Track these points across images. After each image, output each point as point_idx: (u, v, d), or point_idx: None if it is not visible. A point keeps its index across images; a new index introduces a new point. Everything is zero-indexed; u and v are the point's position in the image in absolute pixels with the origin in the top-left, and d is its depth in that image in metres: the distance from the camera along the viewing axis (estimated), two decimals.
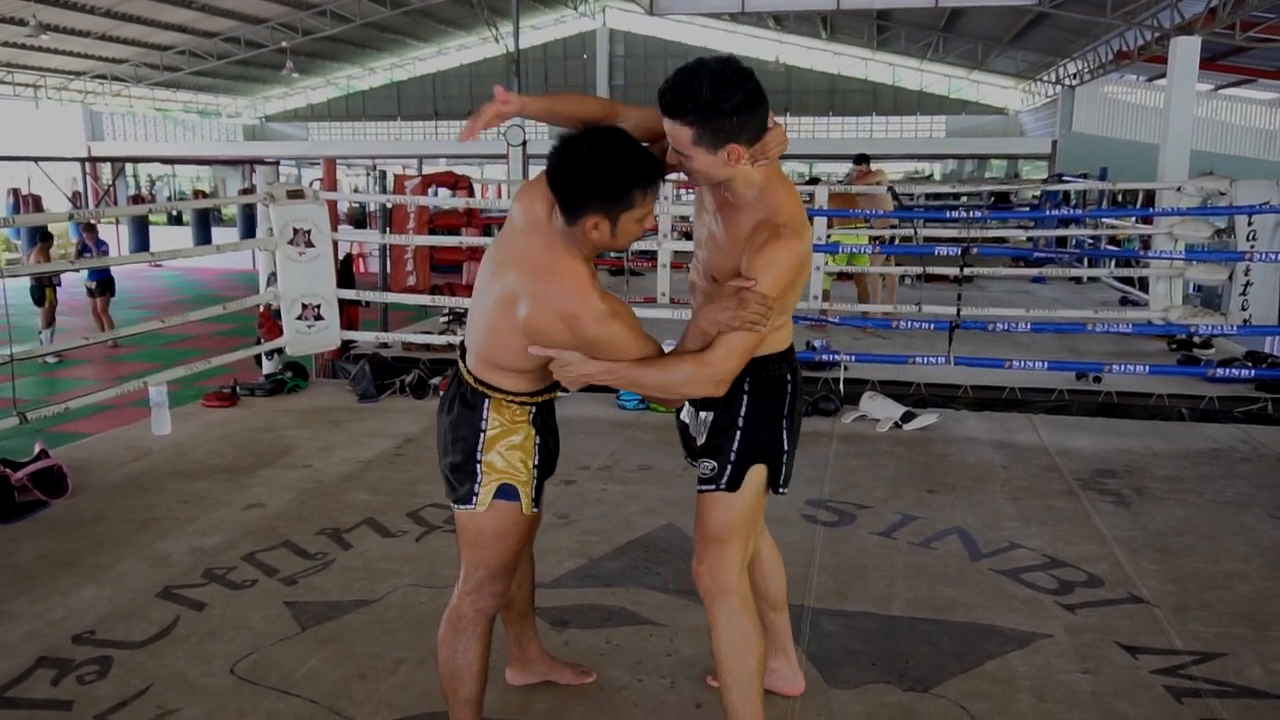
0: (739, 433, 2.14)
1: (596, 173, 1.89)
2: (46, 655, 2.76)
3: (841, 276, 10.01)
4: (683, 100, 1.89)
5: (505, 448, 2.13)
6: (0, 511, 3.83)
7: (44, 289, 10.44)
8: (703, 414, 2.19)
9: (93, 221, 11.05)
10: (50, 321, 10.36)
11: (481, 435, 2.12)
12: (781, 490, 2.23)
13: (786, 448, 2.20)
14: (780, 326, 2.14)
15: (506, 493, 2.14)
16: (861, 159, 9.26)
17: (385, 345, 6.83)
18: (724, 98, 1.87)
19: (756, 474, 2.17)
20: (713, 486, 2.16)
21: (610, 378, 1.98)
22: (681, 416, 2.31)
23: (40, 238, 10.97)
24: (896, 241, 9.17)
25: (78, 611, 3.04)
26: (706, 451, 2.19)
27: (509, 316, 1.99)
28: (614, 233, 1.95)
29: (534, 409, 2.15)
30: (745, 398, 2.15)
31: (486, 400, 2.12)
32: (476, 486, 2.13)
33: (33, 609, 3.06)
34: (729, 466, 2.15)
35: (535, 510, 2.20)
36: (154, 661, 2.74)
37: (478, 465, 2.12)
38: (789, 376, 2.19)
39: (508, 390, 2.11)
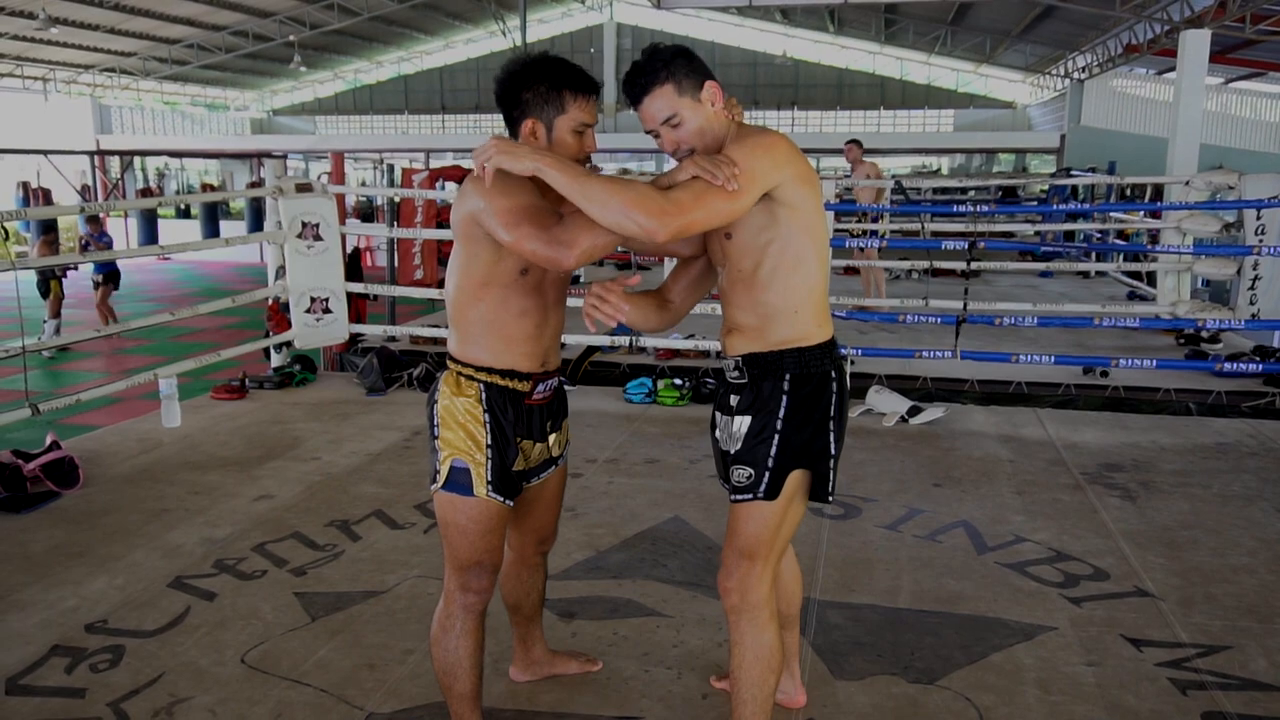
0: (777, 435, 2.03)
1: (531, 71, 2.02)
2: (60, 644, 2.80)
3: (847, 270, 10.01)
4: (647, 71, 1.99)
5: (455, 421, 2.12)
6: (13, 502, 3.87)
7: (49, 281, 10.48)
8: (739, 419, 2.08)
9: (98, 215, 11.03)
10: (56, 314, 10.39)
11: (435, 405, 2.16)
12: (830, 499, 2.12)
13: (834, 451, 2.08)
14: (799, 309, 2.03)
15: (459, 481, 2.11)
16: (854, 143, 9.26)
17: (393, 338, 6.86)
18: (670, 53, 2.01)
19: (795, 481, 2.06)
20: (749, 495, 2.05)
21: (551, 167, 1.85)
22: (716, 434, 2.21)
23: (43, 230, 10.99)
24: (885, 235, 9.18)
25: (90, 601, 3.07)
26: (741, 458, 2.06)
27: (454, 253, 2.11)
28: (551, 140, 2.02)
29: (484, 386, 2.12)
30: (785, 397, 2.03)
31: (444, 372, 2.18)
32: (437, 463, 2.14)
33: (46, 598, 3.09)
34: (767, 473, 2.03)
35: (493, 497, 2.13)
36: (165, 650, 2.77)
37: (435, 441, 2.15)
38: (833, 373, 2.07)
39: (461, 361, 2.14)
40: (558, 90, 2.00)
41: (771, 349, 2.05)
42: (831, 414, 2.07)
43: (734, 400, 2.11)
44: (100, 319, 10.42)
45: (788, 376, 2.04)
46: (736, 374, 2.10)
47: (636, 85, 2.00)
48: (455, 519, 2.14)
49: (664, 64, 1.97)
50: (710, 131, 2.01)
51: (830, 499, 2.13)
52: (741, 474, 2.06)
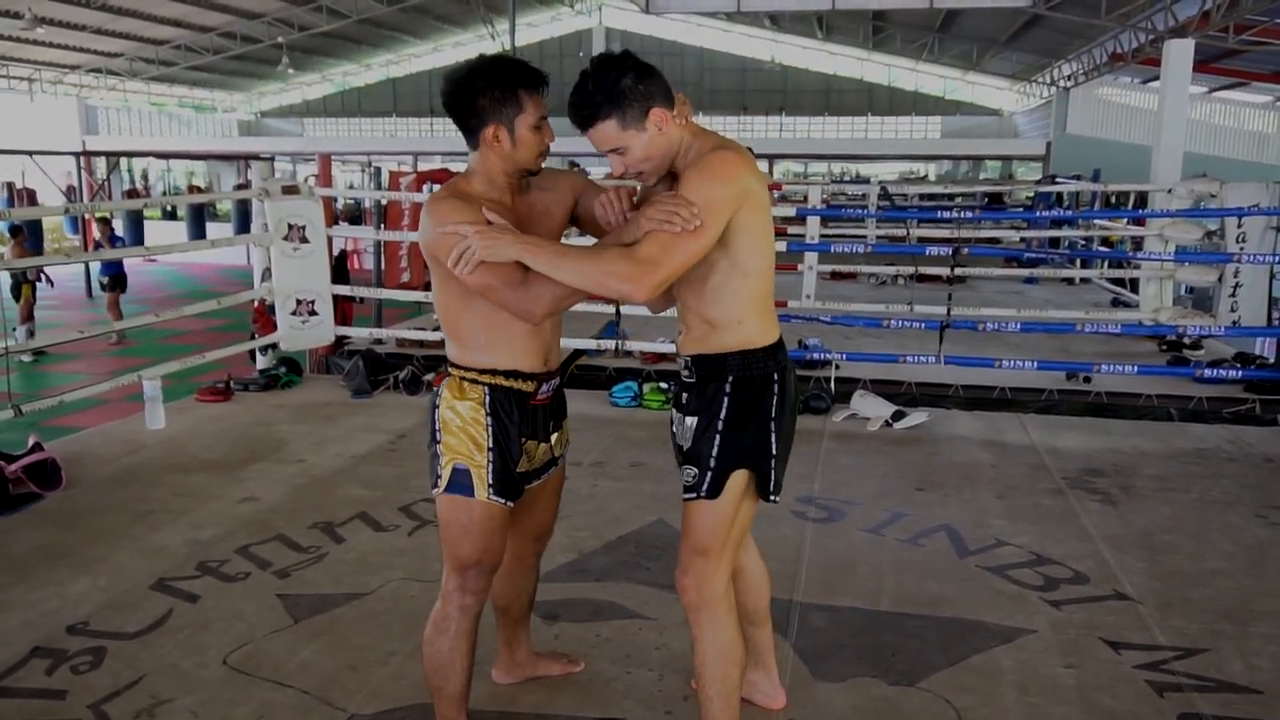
0: (718, 436, 2.08)
1: (483, 76, 2.01)
2: (41, 645, 2.79)
3: (834, 276, 10.05)
4: (588, 100, 1.96)
5: (457, 425, 2.13)
6: None
7: (19, 285, 10.41)
8: (688, 419, 2.14)
9: (108, 217, 11.08)
10: (26, 318, 10.30)
11: (436, 411, 2.17)
12: (773, 499, 2.15)
13: (775, 452, 2.10)
14: (744, 320, 2.08)
15: (460, 482, 2.12)
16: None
17: (379, 341, 6.85)
18: (618, 75, 1.95)
19: (739, 480, 2.10)
20: (694, 495, 2.11)
21: (531, 254, 1.93)
22: (673, 428, 2.25)
23: (12, 233, 10.94)
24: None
25: (72, 602, 3.06)
26: (689, 458, 2.13)
27: (432, 270, 2.13)
28: (514, 140, 2.04)
29: (488, 389, 2.13)
30: (726, 399, 2.08)
31: (446, 378, 2.19)
32: (439, 468, 2.15)
33: (27, 600, 3.08)
34: (709, 473, 2.09)
35: (494, 500, 2.14)
36: (147, 652, 2.76)
37: (437, 446, 2.15)
38: (775, 375, 2.11)
39: (463, 365, 2.14)
40: (513, 91, 2.01)
41: (717, 351, 2.11)
42: (773, 415, 2.10)
43: (684, 399, 2.19)
44: (112, 319, 10.36)
45: (730, 378, 2.09)
46: (687, 374, 2.18)
47: (579, 117, 1.98)
48: (457, 520, 2.15)
49: (605, 98, 1.94)
50: (660, 151, 2.02)
51: (773, 499, 2.16)
52: (688, 473, 2.13)
